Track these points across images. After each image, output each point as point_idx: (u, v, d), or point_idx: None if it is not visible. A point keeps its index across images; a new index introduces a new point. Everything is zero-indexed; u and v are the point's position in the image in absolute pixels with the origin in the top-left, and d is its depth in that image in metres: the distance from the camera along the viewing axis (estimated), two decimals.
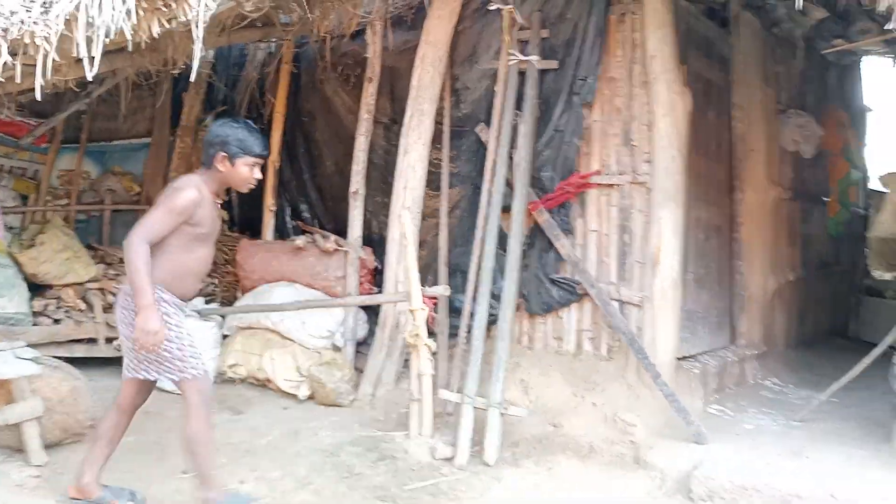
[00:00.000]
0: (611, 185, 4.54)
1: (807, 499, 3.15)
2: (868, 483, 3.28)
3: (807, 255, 6.56)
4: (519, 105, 4.61)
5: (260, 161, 3.01)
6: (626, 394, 4.28)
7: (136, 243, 2.76)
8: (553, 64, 4.63)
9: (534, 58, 4.57)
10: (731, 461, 3.51)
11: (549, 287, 4.65)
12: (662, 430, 4.02)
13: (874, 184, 8.18)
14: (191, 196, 2.85)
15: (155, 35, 3.46)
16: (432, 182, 5.06)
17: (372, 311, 5.09)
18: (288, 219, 6.29)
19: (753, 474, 3.33)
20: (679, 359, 4.52)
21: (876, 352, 4.14)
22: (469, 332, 4.37)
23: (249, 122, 3.16)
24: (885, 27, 2.83)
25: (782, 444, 3.89)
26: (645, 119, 4.38)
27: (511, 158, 4.61)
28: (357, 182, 5.03)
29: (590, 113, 4.58)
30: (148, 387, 3.19)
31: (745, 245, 5.46)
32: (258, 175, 3.03)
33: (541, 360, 4.63)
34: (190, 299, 3.13)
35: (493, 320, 4.40)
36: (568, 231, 4.62)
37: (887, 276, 8.01)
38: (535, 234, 4.70)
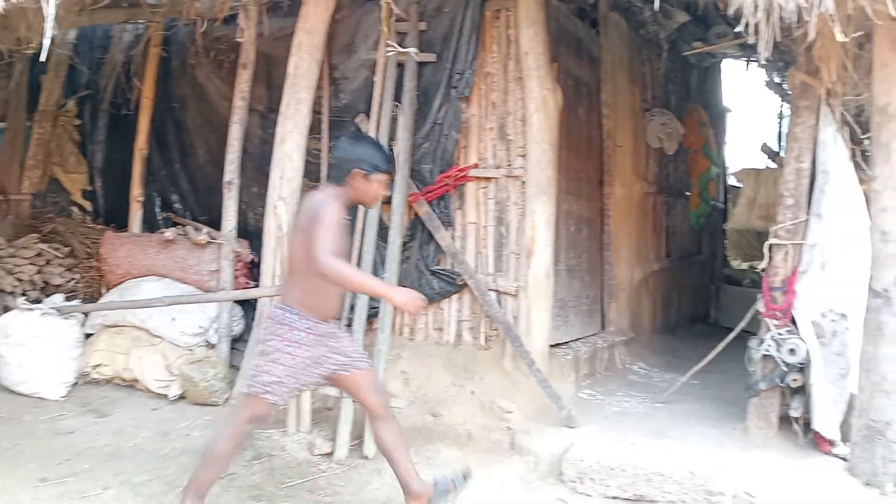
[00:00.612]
0: (488, 178, 4.64)
1: (668, 477, 3.34)
2: (724, 460, 3.52)
3: (671, 246, 6.97)
4: (398, 97, 4.61)
5: (391, 177, 3.09)
6: (503, 381, 4.39)
7: (330, 259, 2.68)
8: (431, 57, 4.65)
9: (412, 50, 4.57)
10: (600, 443, 3.67)
11: (429, 278, 4.69)
12: (537, 415, 4.16)
13: (732, 179, 8.81)
14: (338, 209, 2.85)
15: (1, 11, 3.21)
16: (311, 172, 4.97)
17: (249, 306, 4.94)
18: (158, 210, 6.00)
19: (619, 455, 3.49)
20: (552, 346, 4.69)
21: (730, 336, 4.44)
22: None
23: (375, 138, 3.35)
24: (735, 30, 3.02)
25: (647, 425, 4.12)
26: (519, 114, 4.50)
27: (391, 150, 4.61)
28: (231, 172, 4.85)
29: (467, 107, 4.65)
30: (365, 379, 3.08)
31: (613, 237, 5.73)
32: (387, 192, 3.18)
33: (422, 351, 4.67)
34: (331, 318, 3.04)
35: (374, 313, 4.39)
36: (447, 223, 4.67)
37: (743, 265, 8.66)
38: (416, 226, 4.73)
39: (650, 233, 6.43)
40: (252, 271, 5.05)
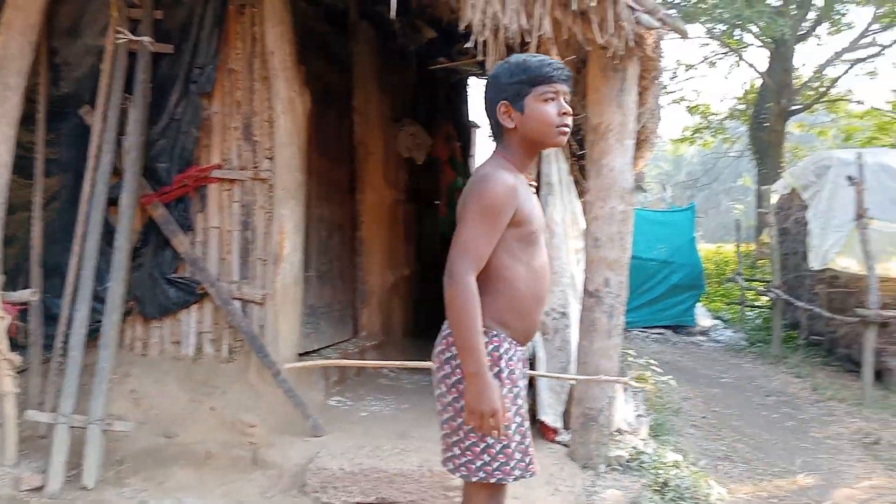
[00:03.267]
0: (232, 181, 4.43)
1: (409, 477, 3.41)
2: None
3: (422, 251, 7.22)
4: (130, 88, 4.22)
5: (559, 89, 2.00)
6: (248, 394, 4.21)
7: (462, 277, 1.88)
8: (168, 48, 4.33)
9: (145, 39, 4.21)
10: (344, 450, 3.65)
11: (165, 287, 4.35)
12: (283, 427, 4.04)
13: None
14: (507, 181, 1.93)
15: None
16: (24, 168, 4.36)
17: None
18: None
19: (363, 460, 3.50)
20: (302, 354, 4.59)
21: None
22: (66, 341, 3.86)
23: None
24: (465, 45, 3.18)
25: (392, 428, 4.18)
26: (266, 115, 4.36)
27: (121, 146, 4.21)
28: None
29: (209, 104, 4.40)
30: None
31: (365, 243, 5.78)
32: (567, 108, 2.02)
33: (156, 368, 4.32)
34: (532, 337, 2.17)
35: (97, 328, 3.95)
36: (187, 227, 4.38)
37: None
38: (150, 230, 4.37)
39: (401, 239, 6.59)
40: None
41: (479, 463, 2.00)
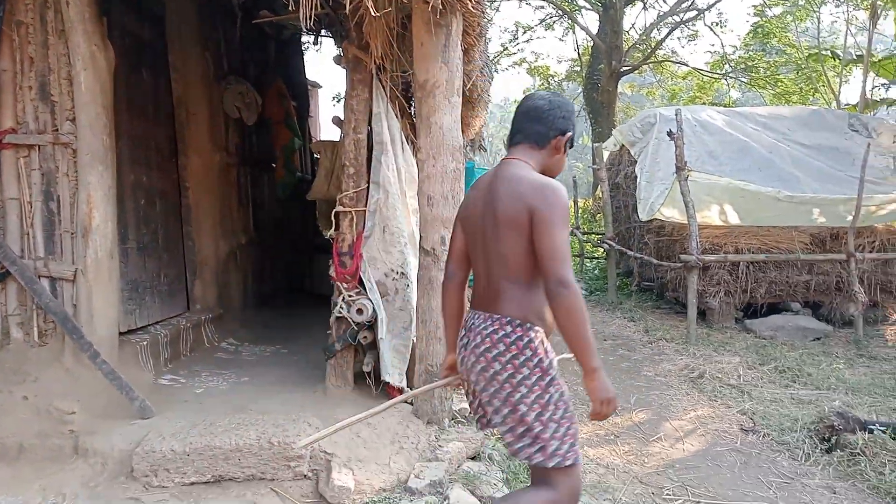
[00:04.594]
0: (30, 146, 3.96)
1: (247, 451, 3.26)
2: (302, 423, 3.57)
3: (259, 217, 6.90)
4: None
5: None
6: (64, 379, 3.86)
7: (575, 284, 2.02)
8: None
9: None
10: (175, 430, 3.43)
11: None
12: (107, 411, 3.75)
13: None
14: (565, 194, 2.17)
15: None
16: None
17: None
18: None
19: (195, 438, 3.30)
20: (125, 333, 4.27)
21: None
22: None
23: None
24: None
25: (230, 402, 4.00)
26: (64, 72, 3.91)
27: None
28: None
29: None
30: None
31: (193, 210, 5.43)
32: None
33: None
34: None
35: None
36: None
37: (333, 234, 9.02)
38: None
39: (235, 205, 6.26)
40: None
41: (562, 446, 2.15)
